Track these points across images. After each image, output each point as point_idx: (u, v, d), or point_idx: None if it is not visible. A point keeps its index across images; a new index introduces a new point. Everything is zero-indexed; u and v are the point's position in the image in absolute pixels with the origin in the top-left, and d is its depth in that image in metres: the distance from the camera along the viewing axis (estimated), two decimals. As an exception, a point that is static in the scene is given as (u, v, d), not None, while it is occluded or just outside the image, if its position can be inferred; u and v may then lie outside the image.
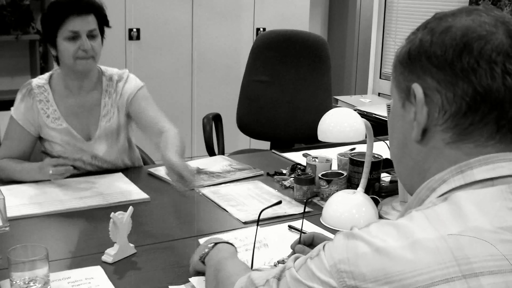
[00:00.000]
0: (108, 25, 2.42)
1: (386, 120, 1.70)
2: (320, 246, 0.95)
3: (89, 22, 2.29)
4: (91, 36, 2.30)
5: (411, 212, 0.90)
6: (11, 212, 1.99)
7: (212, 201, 2.16)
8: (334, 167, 2.33)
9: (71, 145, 2.38)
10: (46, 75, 2.44)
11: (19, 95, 2.40)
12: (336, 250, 0.91)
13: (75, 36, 2.27)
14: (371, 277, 0.85)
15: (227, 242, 1.53)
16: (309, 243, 1.56)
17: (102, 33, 2.38)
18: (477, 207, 0.87)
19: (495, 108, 0.89)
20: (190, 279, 1.56)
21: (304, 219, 2.00)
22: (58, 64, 2.40)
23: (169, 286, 1.55)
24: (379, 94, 5.54)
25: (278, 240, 1.84)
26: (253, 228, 1.91)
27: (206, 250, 1.50)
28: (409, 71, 0.96)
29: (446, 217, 0.86)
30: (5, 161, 2.36)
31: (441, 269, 0.82)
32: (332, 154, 2.43)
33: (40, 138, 2.43)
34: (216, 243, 1.51)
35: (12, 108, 2.40)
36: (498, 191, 0.89)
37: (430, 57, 0.93)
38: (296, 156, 2.70)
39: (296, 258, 1.01)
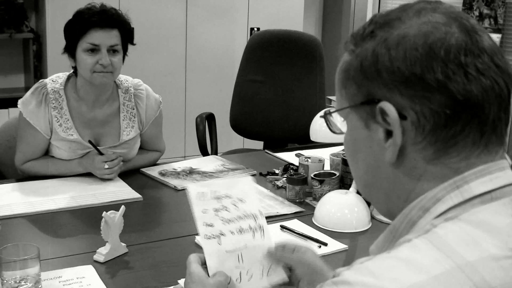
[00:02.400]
0: (132, 42, 2.37)
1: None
2: None
3: (112, 37, 2.24)
4: (112, 51, 2.25)
5: (412, 241, 0.78)
6: (2, 211, 1.99)
7: (205, 200, 2.15)
8: (327, 167, 2.34)
9: (79, 155, 2.34)
10: (63, 78, 2.35)
11: (33, 99, 2.29)
12: None
13: (94, 49, 2.22)
14: None
15: None
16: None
17: (125, 49, 2.33)
18: (486, 229, 0.78)
19: (476, 114, 0.80)
20: (179, 281, 1.56)
21: (296, 219, 2.01)
22: (76, 75, 2.33)
23: (157, 288, 1.55)
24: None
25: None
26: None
27: None
28: (367, 89, 0.85)
29: (455, 242, 0.76)
30: (30, 164, 2.34)
31: None
32: (324, 154, 2.43)
33: None
34: None
35: (23, 110, 2.30)
36: (502, 207, 0.81)
37: (393, 72, 0.81)
38: (289, 156, 2.70)
39: None
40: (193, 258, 1.30)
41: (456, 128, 0.81)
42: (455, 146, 0.82)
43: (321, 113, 1.01)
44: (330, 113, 0.97)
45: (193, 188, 1.38)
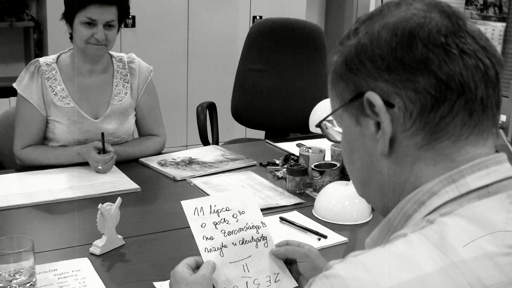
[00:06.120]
0: (128, 17, 2.40)
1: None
2: None
3: (110, 13, 2.29)
4: (108, 25, 2.30)
5: (407, 236, 0.77)
6: (-1, 202, 1.97)
7: (204, 191, 2.13)
8: (328, 158, 2.31)
9: (78, 125, 2.36)
10: (53, 56, 2.43)
11: (26, 74, 2.37)
12: None
13: (91, 23, 2.27)
14: None
15: None
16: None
17: (120, 23, 2.38)
18: (482, 225, 0.76)
19: (462, 93, 0.79)
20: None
21: (296, 211, 1.99)
22: (72, 42, 2.40)
23: (154, 283, 1.53)
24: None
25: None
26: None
27: None
28: (353, 83, 0.84)
29: (452, 238, 0.75)
30: (28, 150, 2.34)
31: None
32: (325, 144, 2.40)
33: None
34: None
35: (18, 87, 2.36)
36: (498, 203, 0.79)
37: (375, 61, 0.81)
38: (290, 146, 2.68)
39: None
40: (185, 260, 1.29)
41: (443, 109, 0.80)
42: (445, 129, 0.81)
43: (317, 122, 1.01)
44: (324, 120, 0.97)
45: (189, 204, 1.37)
